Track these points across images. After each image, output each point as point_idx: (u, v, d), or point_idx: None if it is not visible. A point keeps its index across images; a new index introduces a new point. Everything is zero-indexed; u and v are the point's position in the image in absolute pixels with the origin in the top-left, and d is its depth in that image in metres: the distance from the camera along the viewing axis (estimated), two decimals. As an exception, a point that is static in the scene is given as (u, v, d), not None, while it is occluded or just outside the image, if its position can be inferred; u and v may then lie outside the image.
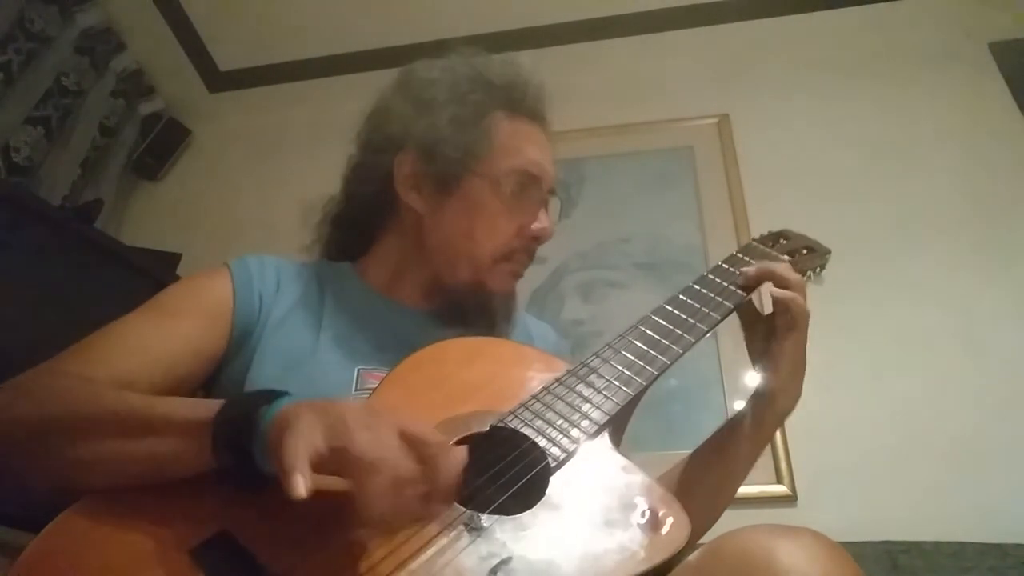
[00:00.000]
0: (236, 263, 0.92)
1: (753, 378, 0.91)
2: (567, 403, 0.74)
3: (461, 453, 0.58)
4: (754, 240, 1.02)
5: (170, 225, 2.42)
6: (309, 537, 0.58)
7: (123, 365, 0.75)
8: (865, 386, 1.75)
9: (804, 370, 0.87)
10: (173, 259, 2.24)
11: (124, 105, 2.48)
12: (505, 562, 0.57)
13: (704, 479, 0.90)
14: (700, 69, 2.32)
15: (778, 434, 1.72)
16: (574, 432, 0.70)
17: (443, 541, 0.59)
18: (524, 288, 2.06)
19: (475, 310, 0.95)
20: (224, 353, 0.85)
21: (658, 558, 0.58)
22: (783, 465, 1.70)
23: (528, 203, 0.96)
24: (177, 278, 2.02)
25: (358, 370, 0.88)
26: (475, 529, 0.60)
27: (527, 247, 0.98)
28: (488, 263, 0.95)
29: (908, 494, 1.59)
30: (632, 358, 0.80)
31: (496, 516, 0.61)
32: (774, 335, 0.86)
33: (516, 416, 0.72)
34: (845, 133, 2.11)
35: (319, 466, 0.53)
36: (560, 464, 0.67)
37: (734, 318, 0.91)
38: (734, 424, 0.91)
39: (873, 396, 1.73)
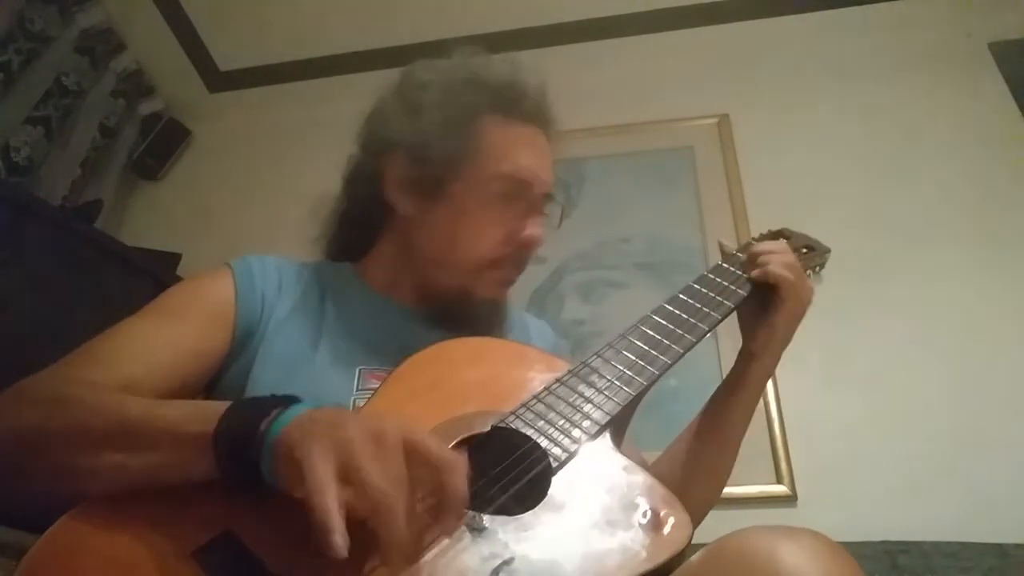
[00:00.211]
0: (238, 263, 0.92)
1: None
2: (568, 403, 0.74)
3: (462, 464, 0.58)
4: (753, 239, 1.03)
5: (170, 225, 2.43)
6: (312, 538, 0.58)
7: (128, 368, 0.75)
8: (865, 386, 1.75)
9: (788, 342, 0.91)
10: (173, 259, 2.24)
11: (124, 105, 2.48)
12: (507, 562, 0.57)
13: (701, 451, 0.92)
14: (700, 69, 2.32)
15: (778, 434, 1.73)
16: (575, 432, 0.70)
17: (445, 542, 0.59)
18: (524, 288, 2.07)
19: (462, 316, 0.93)
20: (227, 353, 0.85)
21: (660, 558, 0.58)
22: (783, 465, 1.70)
23: (517, 209, 0.93)
24: (177, 278, 2.02)
25: (359, 370, 0.88)
26: (477, 529, 0.60)
27: (516, 255, 0.94)
28: (474, 270, 0.93)
29: (908, 494, 1.60)
30: (633, 358, 0.80)
31: (498, 516, 0.61)
32: (768, 308, 0.88)
33: (517, 416, 0.72)
34: (845, 133, 2.12)
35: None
36: (562, 464, 0.67)
37: (733, 318, 0.91)
38: (721, 390, 0.94)
39: (873, 396, 1.74)
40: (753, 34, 2.30)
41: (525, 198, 0.93)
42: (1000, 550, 1.40)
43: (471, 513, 0.61)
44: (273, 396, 0.62)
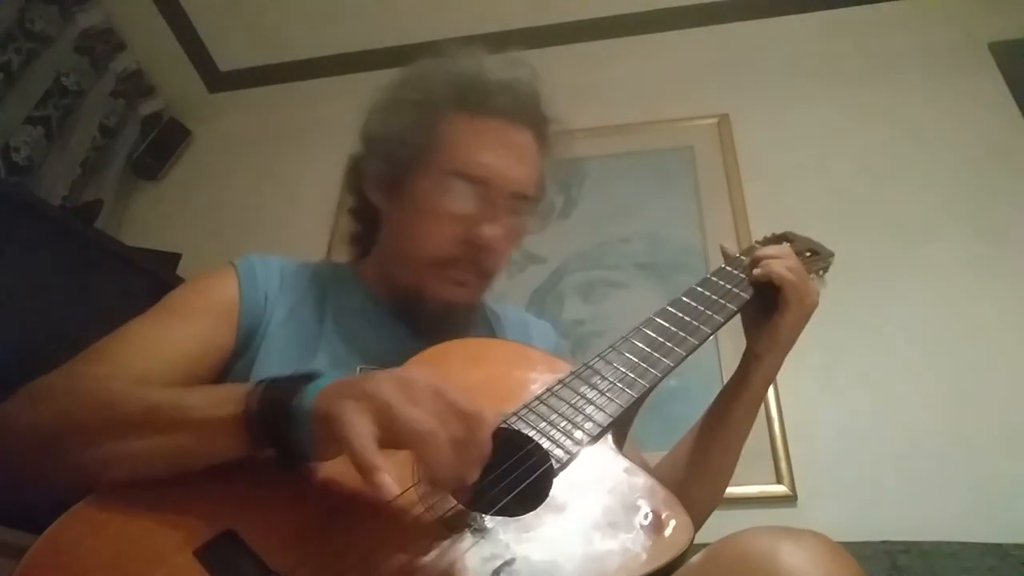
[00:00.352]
0: (241, 262, 0.92)
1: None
2: (570, 405, 0.74)
3: (494, 416, 0.60)
4: (756, 242, 1.03)
5: (170, 225, 2.43)
6: (314, 537, 0.58)
7: (137, 367, 0.76)
8: (865, 386, 1.75)
9: (791, 345, 0.90)
10: (173, 259, 2.24)
11: (124, 105, 2.49)
12: (508, 563, 0.57)
13: (703, 453, 0.92)
14: (700, 69, 2.32)
15: (778, 434, 1.73)
16: (577, 434, 0.70)
17: (447, 542, 0.59)
18: (524, 288, 2.08)
19: (417, 315, 0.92)
20: (232, 351, 0.86)
21: (661, 560, 0.58)
22: (783, 465, 1.70)
23: (473, 208, 0.89)
24: (177, 278, 2.02)
25: (360, 369, 0.88)
26: (478, 530, 0.60)
27: (472, 256, 0.90)
28: (426, 268, 0.91)
29: (908, 494, 1.60)
30: (635, 360, 0.80)
31: (499, 517, 0.61)
32: (771, 310, 0.88)
33: (519, 417, 0.72)
34: (845, 133, 2.12)
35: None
36: (563, 466, 0.67)
37: (735, 320, 0.91)
38: (724, 392, 0.94)
39: (873, 396, 1.74)
40: (753, 34, 2.30)
41: (484, 197, 0.90)
42: (1000, 550, 1.40)
43: (473, 513, 0.61)
44: (299, 373, 0.63)
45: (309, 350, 0.88)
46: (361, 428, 0.54)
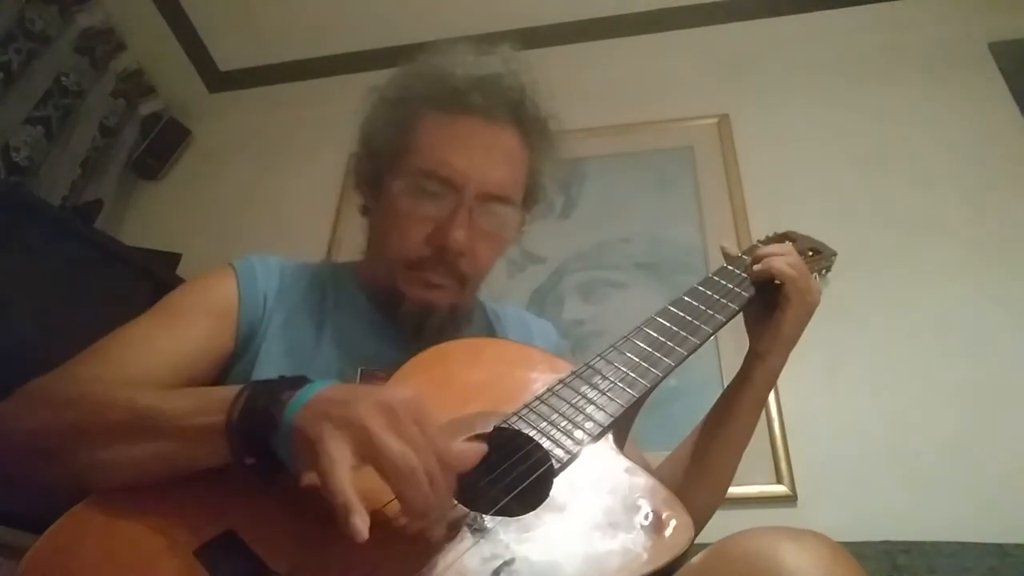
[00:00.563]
0: (240, 263, 0.92)
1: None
2: (571, 404, 0.74)
3: (472, 454, 0.60)
4: (759, 241, 1.02)
5: (170, 225, 2.42)
6: (314, 537, 0.58)
7: (134, 368, 0.76)
8: (865, 386, 1.75)
9: (794, 343, 0.90)
10: (173, 259, 2.24)
11: (124, 105, 2.48)
12: (508, 563, 0.57)
13: (705, 453, 0.92)
14: (700, 69, 2.32)
15: (778, 434, 1.73)
16: (578, 434, 0.70)
17: (446, 542, 0.59)
18: (524, 288, 2.08)
19: (400, 317, 0.92)
20: (231, 353, 0.86)
21: (661, 560, 0.58)
22: (783, 465, 1.70)
23: (442, 209, 0.88)
24: (177, 278, 2.02)
25: (361, 370, 0.88)
26: (478, 530, 0.60)
27: (440, 257, 0.88)
28: (400, 270, 0.90)
29: (908, 494, 1.60)
30: (636, 360, 0.80)
31: (499, 517, 0.61)
32: (773, 308, 0.88)
33: (520, 417, 0.72)
34: (845, 133, 2.12)
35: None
36: (564, 466, 0.67)
37: (736, 320, 0.91)
38: (727, 392, 0.94)
39: (873, 396, 1.74)
40: (753, 34, 2.30)
41: (454, 198, 0.88)
42: (1000, 550, 1.40)
43: (473, 514, 0.61)
44: (283, 377, 0.63)
45: (308, 352, 0.88)
46: (339, 460, 0.53)
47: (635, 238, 2.11)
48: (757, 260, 0.90)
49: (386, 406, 0.57)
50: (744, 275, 0.91)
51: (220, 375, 0.85)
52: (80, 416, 0.66)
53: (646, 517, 0.62)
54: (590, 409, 0.73)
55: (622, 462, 0.69)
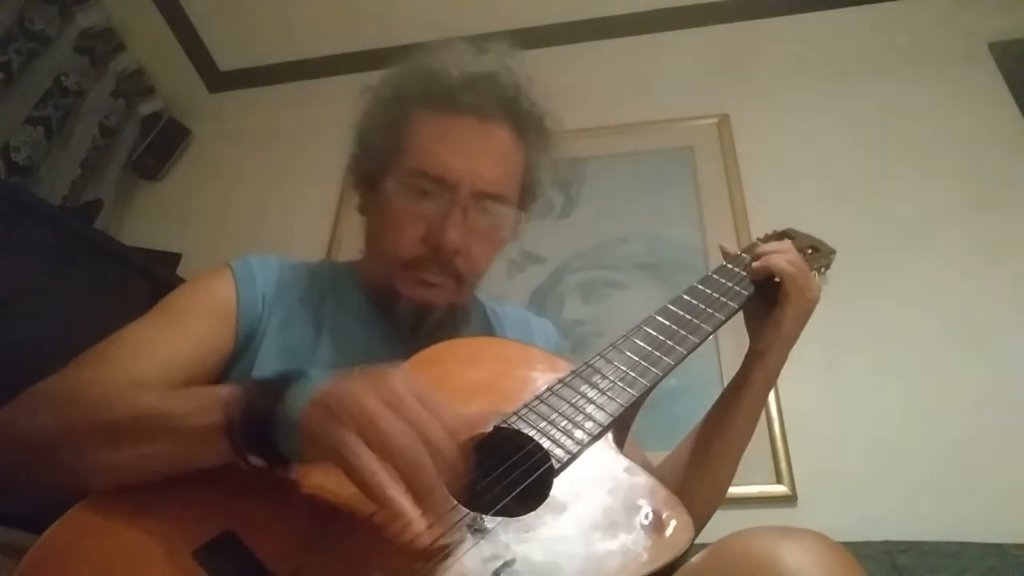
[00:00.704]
0: (238, 263, 0.92)
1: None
2: (571, 404, 0.73)
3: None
4: (758, 239, 1.02)
5: (170, 225, 2.42)
6: (313, 538, 0.58)
7: (136, 371, 0.76)
8: (865, 386, 1.75)
9: (793, 341, 0.89)
10: (173, 259, 2.24)
11: (124, 105, 2.48)
12: (508, 564, 0.57)
13: (705, 453, 0.92)
14: (700, 69, 2.32)
15: (778, 434, 1.72)
16: (578, 433, 0.70)
17: (446, 542, 0.59)
18: (524, 288, 2.08)
19: (397, 316, 0.92)
20: (231, 353, 0.86)
21: (661, 560, 0.58)
22: (783, 465, 1.70)
23: (436, 208, 0.88)
24: (177, 278, 2.02)
25: (360, 371, 0.88)
26: (478, 530, 0.60)
27: (435, 256, 0.89)
28: (395, 269, 0.91)
29: (908, 494, 1.59)
30: (636, 359, 0.80)
31: (499, 517, 0.61)
32: (773, 306, 0.88)
33: (520, 417, 0.72)
34: (845, 133, 2.12)
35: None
36: (564, 466, 0.67)
37: (736, 319, 0.91)
38: (727, 391, 0.93)
39: (873, 396, 1.73)
40: (753, 34, 2.30)
41: (448, 197, 0.88)
42: (1000, 550, 1.40)
43: (472, 514, 0.61)
44: (281, 373, 0.62)
45: (307, 352, 0.88)
46: (359, 447, 0.54)
47: (635, 238, 2.11)
48: (756, 258, 0.90)
49: (387, 386, 0.57)
50: (743, 273, 0.91)
51: (220, 375, 0.85)
52: (81, 417, 0.66)
53: (646, 517, 0.62)
54: (590, 409, 0.73)
55: (622, 462, 0.69)
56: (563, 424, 0.71)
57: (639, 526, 0.61)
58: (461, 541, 0.59)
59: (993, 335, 1.75)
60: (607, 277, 2.07)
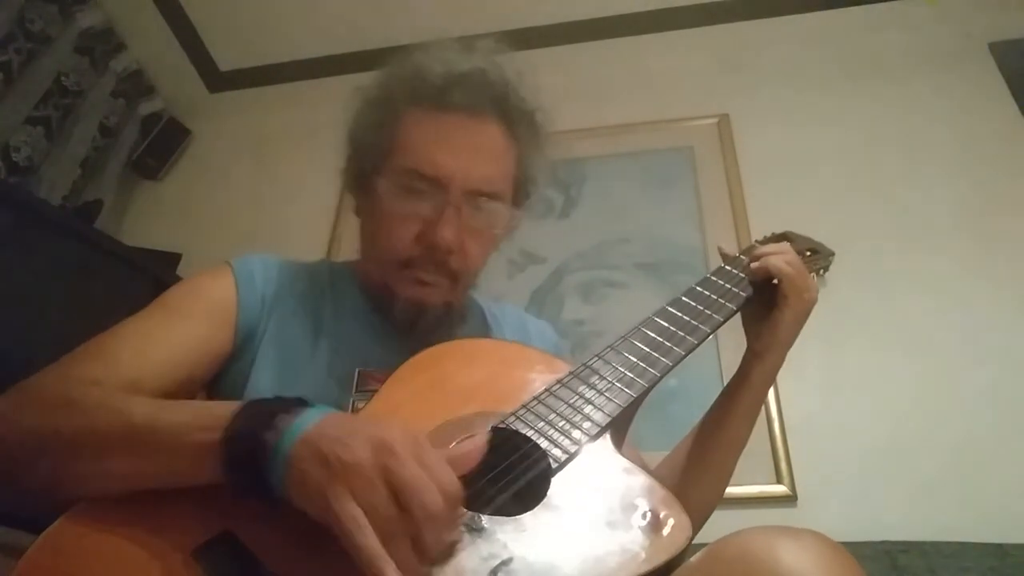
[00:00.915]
0: (238, 262, 0.92)
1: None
2: (569, 404, 0.74)
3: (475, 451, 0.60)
4: (757, 241, 1.02)
5: (170, 225, 2.43)
6: (312, 538, 0.58)
7: (130, 366, 0.75)
8: (865, 386, 1.75)
9: (792, 342, 0.90)
10: (173, 259, 2.24)
11: (124, 105, 2.48)
12: (506, 563, 0.57)
13: (704, 453, 0.92)
14: (700, 69, 2.32)
15: (778, 434, 1.72)
16: (575, 433, 0.70)
17: (444, 542, 0.59)
18: (524, 288, 2.07)
19: (394, 317, 0.92)
20: (229, 353, 0.86)
21: (659, 560, 0.58)
22: (783, 465, 1.70)
23: (429, 207, 0.88)
24: (177, 278, 2.02)
25: (358, 371, 0.88)
26: (476, 530, 0.60)
27: (429, 255, 0.89)
28: (390, 269, 0.91)
29: (908, 494, 1.59)
30: (634, 359, 0.80)
31: (497, 517, 0.61)
32: (771, 307, 0.88)
33: (518, 417, 0.72)
34: (845, 133, 2.11)
35: None
36: (561, 465, 0.67)
37: (735, 319, 0.91)
38: (725, 392, 0.94)
39: (873, 396, 1.73)
40: (753, 34, 2.29)
41: (441, 195, 0.88)
42: (1000, 550, 1.40)
43: (470, 513, 0.61)
44: (278, 399, 0.62)
45: (307, 352, 0.88)
46: (361, 520, 0.52)
47: (635, 238, 2.11)
48: (755, 260, 0.90)
49: (384, 445, 0.56)
50: (742, 275, 0.91)
51: (218, 374, 0.85)
52: (71, 423, 0.65)
53: (644, 516, 0.62)
54: (588, 409, 0.73)
55: (620, 462, 0.69)
56: (561, 424, 0.71)
57: (637, 525, 0.61)
58: (458, 540, 0.59)
59: (993, 335, 1.75)
60: (607, 277, 2.07)
